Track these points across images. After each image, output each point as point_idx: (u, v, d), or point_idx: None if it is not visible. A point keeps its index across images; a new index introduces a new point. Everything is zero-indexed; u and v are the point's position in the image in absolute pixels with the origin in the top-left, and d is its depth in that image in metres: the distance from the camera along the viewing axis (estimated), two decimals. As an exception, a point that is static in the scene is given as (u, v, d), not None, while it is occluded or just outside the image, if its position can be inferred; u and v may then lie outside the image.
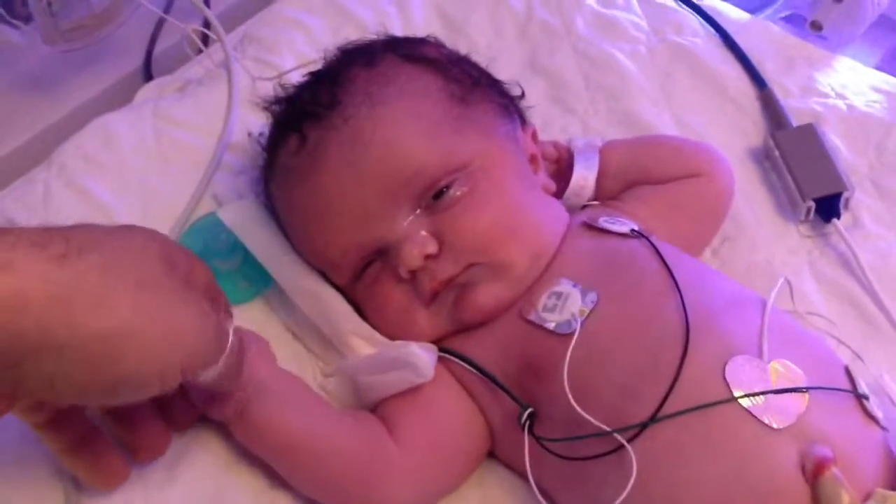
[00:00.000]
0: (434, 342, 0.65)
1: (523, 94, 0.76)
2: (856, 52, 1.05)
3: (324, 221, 0.65)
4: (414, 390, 0.63)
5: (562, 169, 0.76)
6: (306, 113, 0.66)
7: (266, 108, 0.72)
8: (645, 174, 0.74)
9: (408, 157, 0.63)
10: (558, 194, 0.73)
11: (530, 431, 0.59)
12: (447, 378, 0.64)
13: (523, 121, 0.74)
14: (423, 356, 0.62)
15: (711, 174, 0.74)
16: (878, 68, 0.95)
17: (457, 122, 0.66)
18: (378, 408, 0.65)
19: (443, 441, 0.63)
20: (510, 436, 0.62)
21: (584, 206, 0.74)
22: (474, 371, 0.63)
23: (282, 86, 0.73)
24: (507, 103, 0.73)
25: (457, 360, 0.64)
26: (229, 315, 0.57)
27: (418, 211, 0.64)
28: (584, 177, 0.73)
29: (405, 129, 0.64)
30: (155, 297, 0.49)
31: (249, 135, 0.77)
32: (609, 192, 0.74)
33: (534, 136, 0.74)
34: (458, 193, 0.64)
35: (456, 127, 0.66)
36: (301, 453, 0.61)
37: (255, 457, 0.63)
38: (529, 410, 0.59)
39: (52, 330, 0.44)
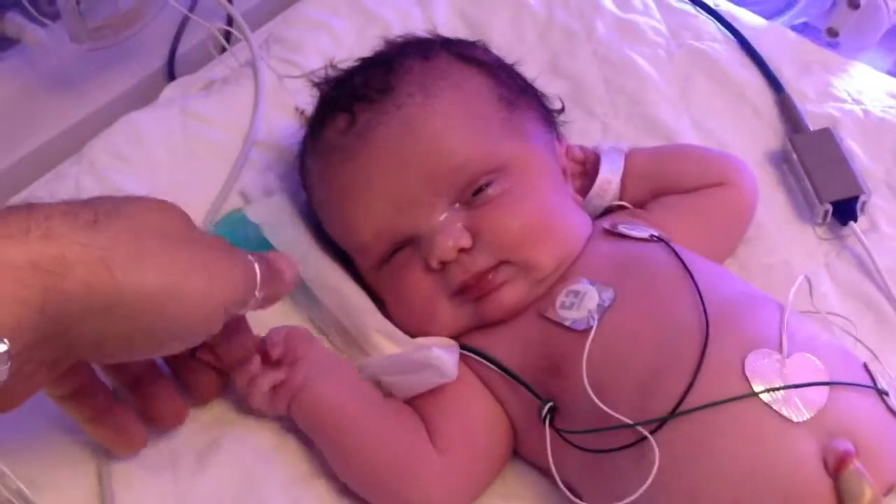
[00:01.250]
0: (453, 336, 0.66)
1: (563, 109, 0.78)
2: (870, 57, 1.06)
3: (362, 202, 0.66)
4: (441, 390, 0.64)
5: (587, 171, 0.77)
6: (358, 95, 0.68)
7: (315, 86, 0.74)
8: (670, 182, 0.75)
9: (454, 151, 0.65)
10: (582, 194, 0.75)
11: (551, 425, 0.60)
12: (470, 375, 0.65)
13: (559, 135, 0.76)
14: (445, 357, 0.63)
15: (736, 184, 0.75)
16: (891, 73, 0.96)
17: (503, 124, 0.68)
18: (411, 404, 0.66)
19: (477, 442, 0.64)
20: (532, 431, 0.62)
21: (608, 213, 0.75)
22: (494, 368, 0.64)
23: (333, 67, 0.74)
24: (548, 115, 0.75)
25: (477, 357, 0.65)
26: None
27: (456, 205, 0.65)
28: (608, 179, 0.74)
29: (455, 123, 0.66)
30: (185, 249, 0.51)
31: (296, 108, 0.79)
32: (634, 197, 0.75)
33: (567, 151, 0.75)
34: (497, 192, 0.65)
35: (501, 128, 0.68)
36: (351, 436, 0.62)
37: (286, 448, 0.65)
38: (550, 404, 0.60)
39: (97, 291, 0.46)
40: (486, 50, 0.75)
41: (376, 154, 0.66)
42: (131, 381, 0.60)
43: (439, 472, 0.62)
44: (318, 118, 0.72)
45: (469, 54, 0.72)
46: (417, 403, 0.65)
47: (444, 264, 0.64)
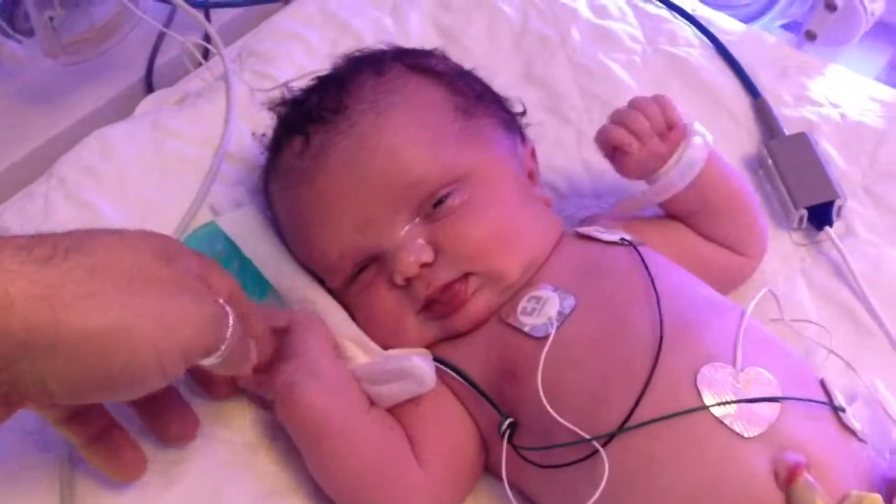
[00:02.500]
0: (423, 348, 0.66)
1: (525, 112, 0.77)
2: (858, 62, 1.05)
3: (323, 224, 0.66)
4: (419, 400, 0.64)
5: (670, 141, 0.69)
6: (312, 116, 0.68)
7: (271, 109, 0.73)
8: (702, 220, 0.71)
9: (410, 166, 0.64)
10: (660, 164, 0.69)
11: (510, 441, 0.59)
12: (442, 386, 0.65)
13: (523, 137, 0.75)
14: (423, 367, 0.63)
15: (752, 261, 0.73)
16: (879, 79, 0.96)
17: (460, 133, 0.67)
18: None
19: (456, 452, 0.64)
20: (492, 444, 0.63)
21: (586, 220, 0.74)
22: (460, 380, 0.64)
23: (288, 89, 0.74)
24: (509, 119, 0.74)
25: (444, 368, 0.64)
26: (245, 306, 0.58)
27: (417, 219, 0.65)
28: (674, 184, 0.69)
29: (409, 138, 0.65)
30: (146, 291, 0.49)
31: (253, 134, 0.78)
32: (669, 208, 0.71)
33: (532, 153, 0.75)
34: (457, 202, 0.65)
35: (459, 138, 0.67)
36: (335, 442, 0.61)
37: (254, 463, 0.64)
38: (510, 420, 0.60)
39: (38, 329, 0.45)
40: (442, 58, 0.75)
41: (332, 175, 0.65)
42: (95, 432, 0.59)
43: (422, 484, 0.62)
44: (275, 141, 0.71)
45: (423, 65, 0.71)
46: (396, 413, 0.65)
47: (408, 280, 0.64)
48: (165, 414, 0.61)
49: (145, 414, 0.61)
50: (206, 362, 0.53)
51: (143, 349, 0.48)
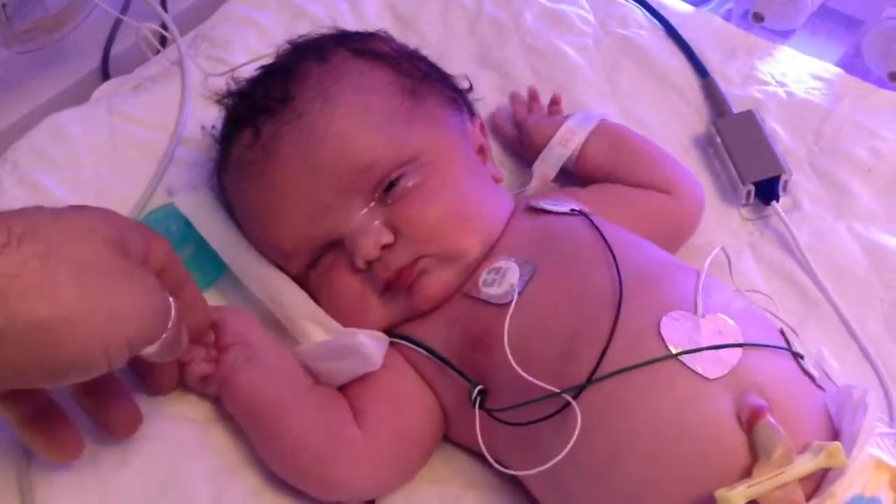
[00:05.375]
0: (388, 328, 0.67)
1: (471, 88, 0.78)
2: (818, 50, 1.07)
3: (277, 215, 0.66)
4: (372, 377, 0.65)
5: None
6: (260, 107, 0.68)
7: (219, 102, 0.73)
8: (624, 166, 0.75)
9: (360, 151, 0.65)
10: (542, 143, 0.77)
11: (481, 407, 0.60)
12: (402, 364, 0.66)
13: (472, 113, 0.76)
14: (370, 345, 0.64)
15: (681, 195, 0.76)
16: (840, 64, 0.98)
17: (407, 115, 0.68)
18: (342, 391, 0.66)
19: (405, 428, 0.65)
20: (462, 414, 0.63)
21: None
22: (426, 354, 0.65)
23: (234, 80, 0.74)
24: (456, 96, 0.75)
25: (408, 344, 0.66)
26: (193, 290, 0.60)
27: (372, 203, 0.66)
28: (572, 129, 0.76)
29: (357, 123, 0.66)
30: (98, 280, 0.49)
31: (202, 128, 0.79)
32: (591, 162, 0.76)
33: (482, 127, 0.76)
34: (410, 184, 0.65)
35: (406, 120, 0.68)
36: (274, 422, 0.62)
37: (209, 441, 0.65)
38: (479, 388, 0.61)
39: None
40: (385, 40, 0.75)
41: (284, 166, 0.66)
42: (31, 411, 0.58)
43: (362, 453, 0.63)
44: (225, 134, 0.72)
45: (367, 48, 0.72)
46: (350, 388, 0.66)
47: (369, 263, 0.65)
48: (108, 405, 0.61)
49: (87, 403, 0.60)
50: (148, 351, 0.54)
51: (90, 340, 0.49)
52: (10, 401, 0.56)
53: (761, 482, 0.51)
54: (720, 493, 0.51)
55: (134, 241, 0.54)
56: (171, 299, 0.55)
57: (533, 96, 0.85)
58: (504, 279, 0.64)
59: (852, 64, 1.05)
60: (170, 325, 0.54)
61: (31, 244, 0.48)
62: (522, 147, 0.82)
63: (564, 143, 0.76)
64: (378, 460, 0.63)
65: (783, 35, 1.09)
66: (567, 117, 0.79)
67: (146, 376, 0.64)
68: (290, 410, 0.63)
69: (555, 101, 0.84)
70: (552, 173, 0.77)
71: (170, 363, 0.63)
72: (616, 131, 0.78)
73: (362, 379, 0.66)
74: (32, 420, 0.57)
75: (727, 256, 0.68)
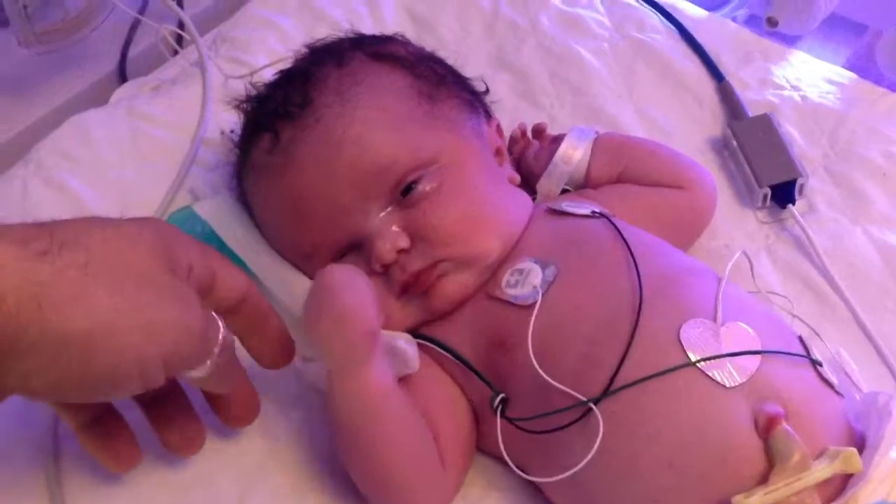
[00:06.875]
0: (407, 331, 0.67)
1: (488, 90, 0.79)
2: (823, 54, 1.08)
3: (297, 218, 0.67)
4: (414, 382, 0.64)
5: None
6: (279, 112, 0.68)
7: (238, 107, 0.74)
8: (634, 170, 0.76)
9: (378, 154, 0.65)
10: (544, 163, 0.76)
11: (503, 415, 0.61)
12: (434, 365, 0.66)
13: (488, 115, 0.77)
14: (407, 348, 0.63)
15: (695, 190, 0.76)
16: (844, 68, 0.98)
17: (425, 118, 0.69)
18: None
19: (463, 435, 0.64)
20: (482, 416, 0.64)
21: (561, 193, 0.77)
22: (451, 356, 0.65)
23: (253, 84, 0.75)
24: (473, 99, 0.75)
25: (433, 345, 0.65)
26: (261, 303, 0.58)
27: (390, 207, 0.66)
28: (573, 146, 0.76)
29: (375, 126, 0.66)
30: (136, 294, 0.48)
31: (222, 132, 0.79)
32: (598, 173, 0.76)
33: (498, 129, 0.77)
34: (428, 188, 0.66)
35: (424, 123, 0.68)
36: (383, 428, 0.60)
37: (238, 440, 0.65)
38: (502, 396, 0.61)
39: (24, 328, 0.44)
40: (403, 43, 0.76)
41: (302, 170, 0.66)
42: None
43: (445, 492, 0.63)
44: (244, 139, 0.72)
45: (384, 52, 0.72)
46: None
47: (386, 266, 0.65)
48: (172, 421, 0.60)
49: (151, 416, 0.60)
50: (193, 375, 0.53)
51: (124, 354, 0.47)
52: (69, 406, 0.56)
53: (778, 488, 0.52)
54: (737, 499, 0.52)
55: (180, 252, 0.52)
56: (220, 324, 0.53)
57: (524, 133, 0.83)
58: (526, 280, 0.64)
59: (855, 68, 1.06)
60: (216, 350, 0.53)
61: (71, 252, 0.46)
62: (528, 184, 0.79)
63: (567, 161, 0.76)
64: (451, 495, 0.64)
65: (789, 41, 1.09)
66: (560, 137, 0.78)
67: (220, 409, 0.62)
68: (403, 421, 0.61)
69: (539, 130, 0.81)
70: (557, 190, 0.77)
71: (247, 394, 0.61)
72: (616, 140, 0.78)
73: (405, 384, 0.63)
74: (88, 427, 0.57)
75: (749, 260, 0.69)
